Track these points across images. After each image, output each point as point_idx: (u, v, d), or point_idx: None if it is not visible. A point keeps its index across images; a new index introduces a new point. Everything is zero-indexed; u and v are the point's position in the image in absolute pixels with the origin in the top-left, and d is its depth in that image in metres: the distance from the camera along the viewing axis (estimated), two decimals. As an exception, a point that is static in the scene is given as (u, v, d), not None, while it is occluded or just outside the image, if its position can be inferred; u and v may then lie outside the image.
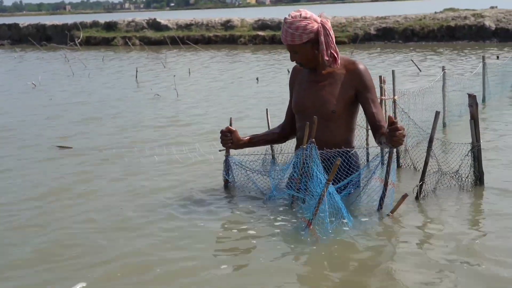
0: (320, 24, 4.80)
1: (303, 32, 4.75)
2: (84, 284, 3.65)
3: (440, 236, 4.20)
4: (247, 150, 5.58)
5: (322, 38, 4.79)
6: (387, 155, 4.65)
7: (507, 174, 5.56)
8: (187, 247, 4.17)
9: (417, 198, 4.86)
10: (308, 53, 4.84)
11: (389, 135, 4.31)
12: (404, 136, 4.36)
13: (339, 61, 4.88)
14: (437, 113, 4.84)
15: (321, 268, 3.82)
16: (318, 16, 4.87)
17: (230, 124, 5.59)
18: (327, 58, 4.81)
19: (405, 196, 4.50)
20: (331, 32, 4.85)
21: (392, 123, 4.29)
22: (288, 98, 5.31)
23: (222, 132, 5.25)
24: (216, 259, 3.99)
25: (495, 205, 4.77)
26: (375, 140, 4.84)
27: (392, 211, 4.53)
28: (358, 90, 4.87)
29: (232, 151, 5.51)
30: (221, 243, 4.27)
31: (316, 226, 4.18)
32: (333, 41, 4.83)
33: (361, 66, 4.93)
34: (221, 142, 5.26)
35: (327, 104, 4.86)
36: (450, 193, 5.03)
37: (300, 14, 4.80)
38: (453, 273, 3.62)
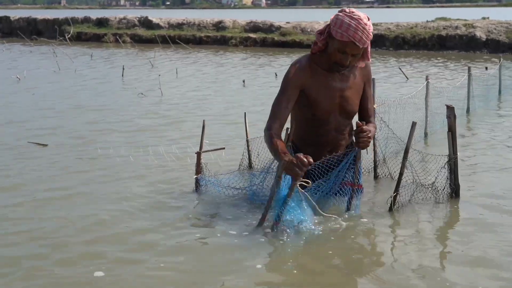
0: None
1: (371, 33, 4.50)
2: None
3: (409, 246, 4.13)
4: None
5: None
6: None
7: (484, 187, 5.49)
8: (150, 248, 4.08)
9: (390, 209, 4.77)
10: (360, 54, 4.58)
11: (355, 138, 4.49)
12: (369, 137, 4.47)
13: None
14: (414, 124, 4.77)
15: (283, 267, 3.73)
16: None
17: (203, 127, 5.48)
18: (369, 60, 4.71)
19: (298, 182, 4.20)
20: None
21: (358, 126, 4.43)
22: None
23: (301, 160, 4.08)
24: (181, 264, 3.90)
25: (469, 218, 4.71)
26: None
27: (289, 195, 4.21)
28: (365, 85, 4.84)
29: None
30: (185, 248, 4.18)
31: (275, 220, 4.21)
32: None
33: (368, 60, 4.83)
34: (294, 171, 4.10)
35: (354, 105, 4.76)
36: (425, 205, 4.95)
37: (365, 15, 4.47)
38: (419, 282, 3.55)
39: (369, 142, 4.50)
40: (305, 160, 4.05)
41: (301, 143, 4.88)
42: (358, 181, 4.65)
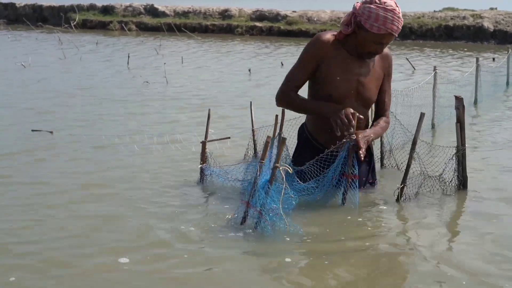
0: None
1: None
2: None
3: (417, 239, 4.09)
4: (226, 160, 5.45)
5: None
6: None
7: (492, 179, 5.43)
8: (149, 242, 4.04)
9: (397, 200, 4.72)
10: None
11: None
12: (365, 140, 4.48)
13: None
14: (422, 115, 4.70)
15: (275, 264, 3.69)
16: None
17: (208, 116, 5.44)
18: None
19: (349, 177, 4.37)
20: None
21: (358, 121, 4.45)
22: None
23: (350, 117, 4.34)
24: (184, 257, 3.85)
25: (477, 210, 4.66)
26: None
27: (277, 161, 4.11)
28: (384, 76, 4.77)
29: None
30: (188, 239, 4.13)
31: (259, 207, 4.09)
32: None
33: (389, 52, 4.80)
34: (340, 126, 4.35)
35: (371, 93, 4.69)
36: (433, 196, 4.89)
37: (393, 0, 4.44)
38: (427, 277, 3.49)
39: (368, 141, 4.51)
40: (353, 112, 4.31)
41: (316, 130, 4.80)
42: (353, 172, 4.48)
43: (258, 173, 4.10)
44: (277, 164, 4.08)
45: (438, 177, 5.04)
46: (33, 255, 3.83)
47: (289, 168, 4.17)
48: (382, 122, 4.79)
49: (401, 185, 4.72)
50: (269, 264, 3.72)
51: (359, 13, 4.47)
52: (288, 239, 4.01)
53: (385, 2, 4.39)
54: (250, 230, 4.13)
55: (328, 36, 4.64)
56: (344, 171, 4.46)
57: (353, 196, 4.56)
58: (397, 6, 4.41)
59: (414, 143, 4.73)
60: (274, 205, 4.05)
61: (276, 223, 4.04)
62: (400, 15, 4.40)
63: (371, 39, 4.44)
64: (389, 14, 4.34)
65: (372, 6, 4.40)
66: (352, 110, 4.36)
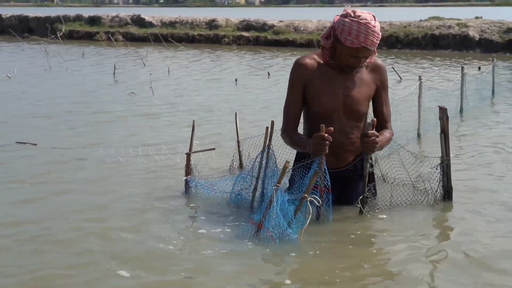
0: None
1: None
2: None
3: (400, 249, 4.06)
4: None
5: None
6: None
7: (477, 189, 5.42)
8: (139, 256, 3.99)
9: (361, 212, 4.62)
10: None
11: (361, 140, 4.44)
12: (374, 142, 4.39)
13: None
14: (368, 124, 4.52)
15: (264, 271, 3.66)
16: None
17: (193, 127, 5.41)
18: (375, 53, 4.59)
19: (317, 174, 4.22)
20: None
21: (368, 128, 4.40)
22: (279, 98, 4.86)
23: (322, 136, 4.25)
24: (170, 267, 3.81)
25: (462, 221, 4.64)
26: None
27: (306, 192, 4.19)
28: (377, 88, 4.71)
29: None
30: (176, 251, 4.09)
31: (271, 229, 4.09)
32: None
33: (382, 62, 4.76)
34: (319, 148, 4.26)
35: (360, 105, 4.62)
36: (417, 207, 4.87)
37: (368, 12, 4.42)
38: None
39: (374, 147, 4.41)
40: (321, 133, 4.22)
41: None
42: (326, 184, 4.36)
43: (274, 197, 4.10)
44: (305, 195, 4.16)
45: (423, 187, 5.04)
46: (25, 270, 3.78)
47: (317, 200, 4.24)
48: (386, 133, 4.72)
49: (362, 195, 4.62)
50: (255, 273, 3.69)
51: (336, 26, 4.47)
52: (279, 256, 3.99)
53: (359, 16, 4.37)
54: (237, 244, 4.10)
55: (306, 58, 4.70)
56: (317, 184, 4.37)
57: (327, 211, 4.47)
58: (373, 20, 4.38)
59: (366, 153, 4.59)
60: (290, 231, 4.10)
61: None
62: (376, 29, 4.34)
63: (347, 52, 4.44)
64: (362, 27, 4.32)
65: (346, 19, 4.40)
66: (323, 128, 4.25)
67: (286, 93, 4.77)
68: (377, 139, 4.40)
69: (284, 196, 4.20)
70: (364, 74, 4.66)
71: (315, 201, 4.23)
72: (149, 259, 3.92)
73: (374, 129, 4.50)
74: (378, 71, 4.72)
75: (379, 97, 4.75)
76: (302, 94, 4.66)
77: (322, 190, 4.36)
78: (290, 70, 4.79)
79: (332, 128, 4.28)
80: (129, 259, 3.91)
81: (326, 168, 4.35)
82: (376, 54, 4.63)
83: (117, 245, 4.18)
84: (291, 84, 4.70)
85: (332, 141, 4.31)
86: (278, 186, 4.16)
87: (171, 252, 4.04)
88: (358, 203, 4.58)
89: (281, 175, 4.19)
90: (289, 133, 4.70)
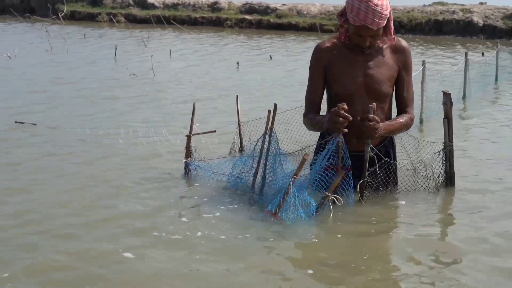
0: None
1: (387, 10, 4.29)
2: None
3: (404, 237, 4.03)
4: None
5: (391, 13, 4.40)
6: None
7: (480, 175, 5.38)
8: (143, 238, 3.96)
9: (361, 199, 4.53)
10: (380, 33, 4.40)
11: (361, 124, 4.31)
12: (373, 128, 4.29)
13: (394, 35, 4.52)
14: (370, 108, 4.45)
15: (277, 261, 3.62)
16: None
17: (193, 109, 5.36)
18: (393, 36, 4.48)
19: (341, 175, 4.28)
20: None
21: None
22: (305, 82, 4.74)
23: (337, 112, 4.22)
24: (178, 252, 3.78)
25: (464, 207, 4.60)
26: None
27: (329, 190, 4.27)
28: (400, 70, 4.60)
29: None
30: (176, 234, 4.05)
31: (288, 221, 4.11)
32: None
33: (406, 44, 4.65)
34: (335, 125, 4.26)
35: (382, 85, 4.51)
36: (419, 193, 4.83)
37: None
38: (414, 273, 3.44)
39: (374, 132, 4.30)
40: (335, 109, 4.19)
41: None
42: (346, 164, 4.35)
43: (291, 188, 4.11)
44: (328, 193, 4.24)
45: (425, 173, 5.00)
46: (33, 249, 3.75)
47: (338, 199, 4.28)
48: (401, 118, 4.61)
49: (360, 180, 4.50)
50: (260, 260, 3.66)
51: (346, 5, 4.41)
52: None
53: None
54: (240, 229, 4.08)
55: (325, 42, 4.65)
56: (332, 164, 4.35)
57: (346, 193, 4.41)
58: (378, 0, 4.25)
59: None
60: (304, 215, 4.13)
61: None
62: (378, 8, 4.22)
63: (352, 30, 4.38)
64: (362, 5, 4.23)
65: None
66: (339, 106, 4.24)
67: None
68: (377, 124, 4.31)
69: (303, 186, 4.21)
70: (386, 55, 4.56)
71: (337, 201, 4.28)
72: (151, 241, 3.89)
73: (385, 114, 4.52)
74: (401, 53, 4.60)
75: (401, 79, 4.62)
76: (323, 78, 4.61)
77: (340, 169, 4.33)
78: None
79: (346, 105, 4.22)
80: (131, 241, 3.88)
81: (345, 147, 4.32)
82: (393, 36, 4.49)
83: (118, 227, 4.15)
84: (311, 69, 4.66)
85: (354, 122, 4.28)
86: (296, 178, 4.14)
87: (171, 235, 4.01)
88: (357, 189, 4.50)
89: (299, 167, 4.17)
90: (307, 116, 4.66)
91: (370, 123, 4.28)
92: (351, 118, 4.22)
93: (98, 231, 4.09)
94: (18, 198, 4.73)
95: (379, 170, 4.59)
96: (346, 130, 4.25)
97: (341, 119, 4.20)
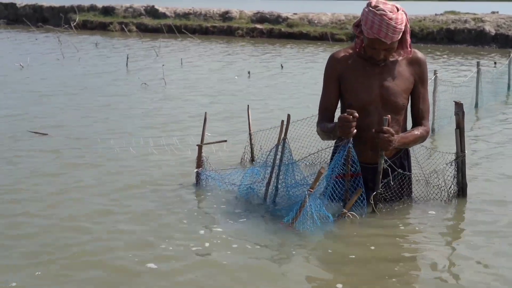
0: (402, 11, 4.32)
1: (402, 24, 4.25)
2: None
3: (414, 247, 3.99)
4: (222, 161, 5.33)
5: (407, 26, 4.37)
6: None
7: (492, 186, 5.33)
8: (159, 245, 3.95)
9: (373, 210, 4.49)
10: (395, 47, 4.37)
11: (375, 136, 4.29)
12: (388, 140, 4.27)
13: (411, 48, 4.48)
14: (385, 120, 4.44)
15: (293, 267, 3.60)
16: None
17: (205, 119, 5.36)
18: (410, 49, 4.44)
19: (359, 192, 4.31)
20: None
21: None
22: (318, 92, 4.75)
23: (345, 118, 4.21)
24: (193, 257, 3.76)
25: (476, 218, 4.55)
26: None
27: (346, 207, 4.32)
28: (416, 82, 4.56)
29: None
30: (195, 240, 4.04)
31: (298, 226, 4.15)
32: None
33: (423, 56, 4.61)
34: (343, 130, 4.24)
35: (398, 97, 4.46)
36: (431, 203, 4.80)
37: (392, 5, 4.26)
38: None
39: (388, 144, 4.27)
40: (346, 115, 4.17)
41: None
42: (355, 170, 4.37)
43: (307, 201, 4.13)
44: (345, 210, 4.32)
45: (438, 183, 4.96)
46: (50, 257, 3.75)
47: (354, 216, 4.33)
48: (416, 130, 4.57)
49: (374, 192, 4.48)
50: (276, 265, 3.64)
51: (361, 17, 4.39)
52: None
53: (377, 7, 4.25)
54: (253, 238, 4.06)
55: (340, 52, 4.62)
56: (344, 173, 4.36)
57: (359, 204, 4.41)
58: (393, 12, 4.22)
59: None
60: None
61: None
62: (393, 22, 4.18)
63: (366, 42, 4.36)
64: (376, 18, 4.20)
65: (365, 9, 4.32)
66: (348, 111, 4.22)
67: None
68: (392, 136, 4.28)
69: (319, 200, 4.23)
70: (402, 67, 4.52)
71: (352, 216, 4.32)
72: (163, 253, 3.88)
73: (400, 126, 4.50)
74: (417, 64, 4.56)
75: (416, 92, 4.58)
76: (337, 87, 4.58)
77: (348, 176, 4.34)
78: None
79: (356, 112, 4.19)
80: (152, 253, 3.88)
81: (354, 153, 4.33)
82: (409, 49, 4.44)
83: (133, 238, 4.14)
84: (325, 78, 4.64)
85: (369, 134, 4.30)
86: (311, 191, 4.15)
87: (184, 246, 4.00)
88: (371, 200, 4.47)
89: (315, 180, 4.17)
90: (319, 124, 4.62)
91: (385, 135, 4.26)
92: (356, 117, 4.19)
93: (109, 242, 4.08)
94: (33, 208, 4.73)
95: (392, 182, 4.56)
96: (354, 131, 4.22)
97: (350, 124, 4.18)
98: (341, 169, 4.37)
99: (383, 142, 4.28)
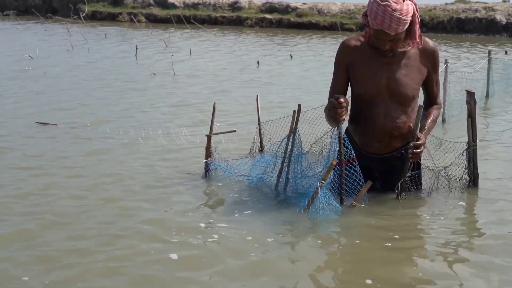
0: (410, 2, 4.22)
1: (407, 15, 4.15)
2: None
3: (424, 238, 3.97)
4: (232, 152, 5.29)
5: (416, 17, 4.27)
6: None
7: (503, 176, 5.28)
8: (168, 234, 3.93)
9: (398, 197, 4.50)
10: (401, 38, 4.27)
11: (408, 150, 4.36)
12: (419, 153, 4.40)
13: (421, 39, 4.38)
14: (420, 107, 4.41)
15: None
16: None
17: (214, 109, 5.33)
18: (419, 40, 4.34)
19: (368, 184, 4.30)
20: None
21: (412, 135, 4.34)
22: (330, 78, 4.66)
23: (335, 104, 4.16)
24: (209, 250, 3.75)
25: (488, 208, 4.51)
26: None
27: (356, 200, 4.32)
28: (429, 71, 4.50)
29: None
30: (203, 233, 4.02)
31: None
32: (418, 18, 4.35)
33: (434, 45, 4.54)
34: (336, 116, 4.18)
35: (407, 88, 4.39)
36: (442, 193, 4.75)
37: None
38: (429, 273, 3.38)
39: (420, 154, 4.37)
40: (334, 100, 4.14)
41: (351, 130, 4.64)
42: (350, 156, 4.32)
43: (319, 193, 4.13)
44: (355, 202, 4.33)
45: (448, 174, 4.91)
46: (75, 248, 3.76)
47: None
48: (430, 116, 4.56)
49: (401, 180, 4.48)
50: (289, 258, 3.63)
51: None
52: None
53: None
54: (265, 228, 4.05)
55: (352, 40, 4.55)
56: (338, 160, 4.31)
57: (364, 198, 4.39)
58: (398, 3, 4.11)
59: (412, 138, 4.42)
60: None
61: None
62: (397, 13, 4.08)
63: (372, 33, 4.28)
64: (380, 9, 4.11)
65: None
66: (335, 97, 4.19)
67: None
68: (423, 144, 4.36)
69: (327, 192, 4.22)
70: (413, 57, 4.43)
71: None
72: (173, 246, 3.86)
73: (408, 117, 4.44)
74: (430, 54, 4.47)
75: (430, 79, 4.54)
76: (346, 75, 4.51)
77: (344, 162, 4.31)
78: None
79: (342, 98, 4.15)
80: (155, 245, 3.86)
81: (346, 139, 4.33)
82: (418, 40, 4.33)
83: (139, 230, 4.12)
84: (335, 65, 4.57)
85: (376, 125, 4.31)
86: (323, 183, 4.14)
87: (194, 238, 3.98)
88: (397, 188, 4.47)
89: (327, 172, 4.16)
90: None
91: (419, 150, 4.33)
92: (341, 103, 4.14)
93: (116, 231, 4.07)
94: (48, 200, 4.72)
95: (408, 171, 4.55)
96: (344, 117, 4.19)
97: (338, 109, 4.14)
98: (337, 156, 4.32)
99: (414, 157, 4.37)
